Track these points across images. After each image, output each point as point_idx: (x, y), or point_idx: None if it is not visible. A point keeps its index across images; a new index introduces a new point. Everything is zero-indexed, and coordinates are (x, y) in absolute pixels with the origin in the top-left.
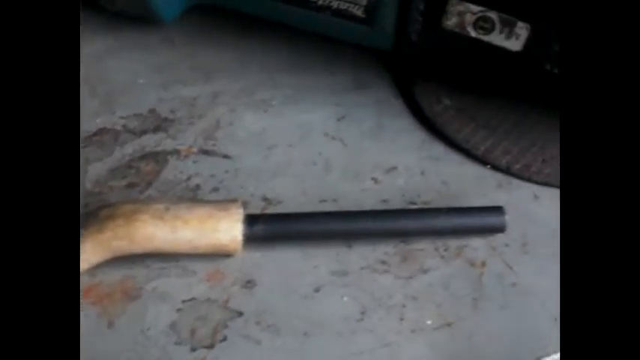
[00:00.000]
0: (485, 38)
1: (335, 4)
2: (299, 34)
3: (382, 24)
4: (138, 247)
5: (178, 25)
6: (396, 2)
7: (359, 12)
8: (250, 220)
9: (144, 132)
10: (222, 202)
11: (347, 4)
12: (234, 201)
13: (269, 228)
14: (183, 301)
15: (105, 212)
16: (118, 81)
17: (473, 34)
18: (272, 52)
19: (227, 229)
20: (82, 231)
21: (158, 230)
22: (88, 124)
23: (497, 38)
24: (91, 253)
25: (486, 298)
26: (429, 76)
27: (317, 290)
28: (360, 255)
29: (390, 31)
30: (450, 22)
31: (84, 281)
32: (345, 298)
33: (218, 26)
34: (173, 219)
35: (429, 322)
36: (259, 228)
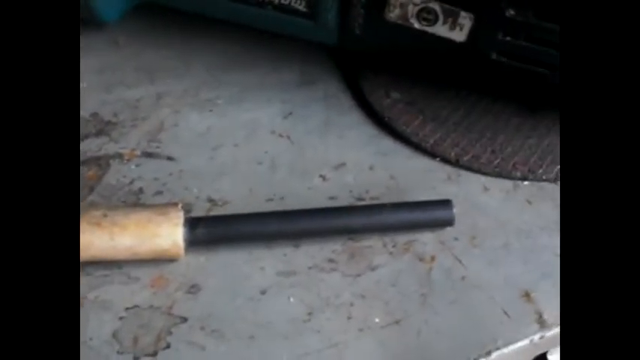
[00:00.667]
0: (429, 30)
1: None
2: (244, 31)
3: (325, 18)
4: None
5: (123, 25)
6: None
7: (301, 6)
8: (192, 223)
9: (86, 136)
10: (162, 205)
11: None
12: (174, 204)
13: (211, 231)
14: (126, 309)
15: None
16: None
17: (416, 25)
18: (217, 51)
19: (167, 234)
20: None
21: (96, 238)
22: None
23: (441, 29)
24: None
25: (435, 294)
26: (377, 69)
27: (263, 292)
28: (307, 254)
29: (334, 26)
30: (393, 14)
31: None
32: (292, 299)
33: (163, 25)
34: (111, 225)
35: (377, 320)
36: (201, 231)
